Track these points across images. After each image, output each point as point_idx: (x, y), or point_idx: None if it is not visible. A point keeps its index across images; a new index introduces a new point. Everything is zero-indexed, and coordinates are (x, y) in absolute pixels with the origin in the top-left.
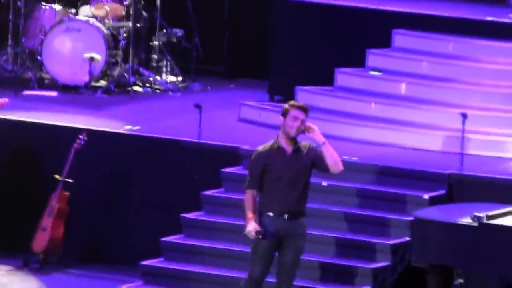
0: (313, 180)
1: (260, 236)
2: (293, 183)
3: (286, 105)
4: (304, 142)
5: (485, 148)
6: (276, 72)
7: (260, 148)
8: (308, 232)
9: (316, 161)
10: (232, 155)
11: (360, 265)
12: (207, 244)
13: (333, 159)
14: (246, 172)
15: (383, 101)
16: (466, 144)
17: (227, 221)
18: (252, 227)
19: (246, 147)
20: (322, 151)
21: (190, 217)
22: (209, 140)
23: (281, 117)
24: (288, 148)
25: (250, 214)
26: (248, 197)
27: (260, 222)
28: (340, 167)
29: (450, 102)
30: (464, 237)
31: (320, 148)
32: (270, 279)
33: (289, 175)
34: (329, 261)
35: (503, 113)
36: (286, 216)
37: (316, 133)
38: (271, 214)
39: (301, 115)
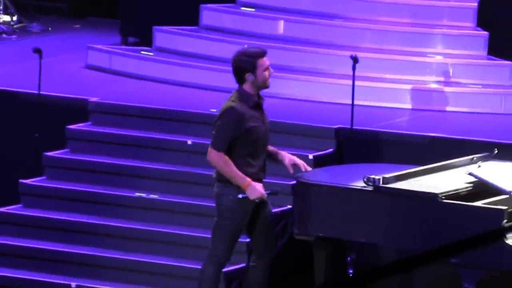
0: (177, 138)
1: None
2: (265, 144)
3: (243, 56)
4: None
5: (380, 98)
6: (129, 10)
7: (235, 104)
8: (174, 201)
9: None
10: (79, 109)
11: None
12: (48, 216)
13: None
14: (95, 129)
15: (258, 43)
16: (357, 93)
17: (73, 188)
18: (260, 185)
19: (95, 99)
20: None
21: (29, 183)
22: (51, 92)
23: (247, 74)
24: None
25: (246, 177)
26: (227, 160)
27: (227, 194)
28: None
29: (337, 44)
30: (356, 204)
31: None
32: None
33: (264, 134)
34: (199, 234)
35: (400, 56)
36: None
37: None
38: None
39: (268, 60)
